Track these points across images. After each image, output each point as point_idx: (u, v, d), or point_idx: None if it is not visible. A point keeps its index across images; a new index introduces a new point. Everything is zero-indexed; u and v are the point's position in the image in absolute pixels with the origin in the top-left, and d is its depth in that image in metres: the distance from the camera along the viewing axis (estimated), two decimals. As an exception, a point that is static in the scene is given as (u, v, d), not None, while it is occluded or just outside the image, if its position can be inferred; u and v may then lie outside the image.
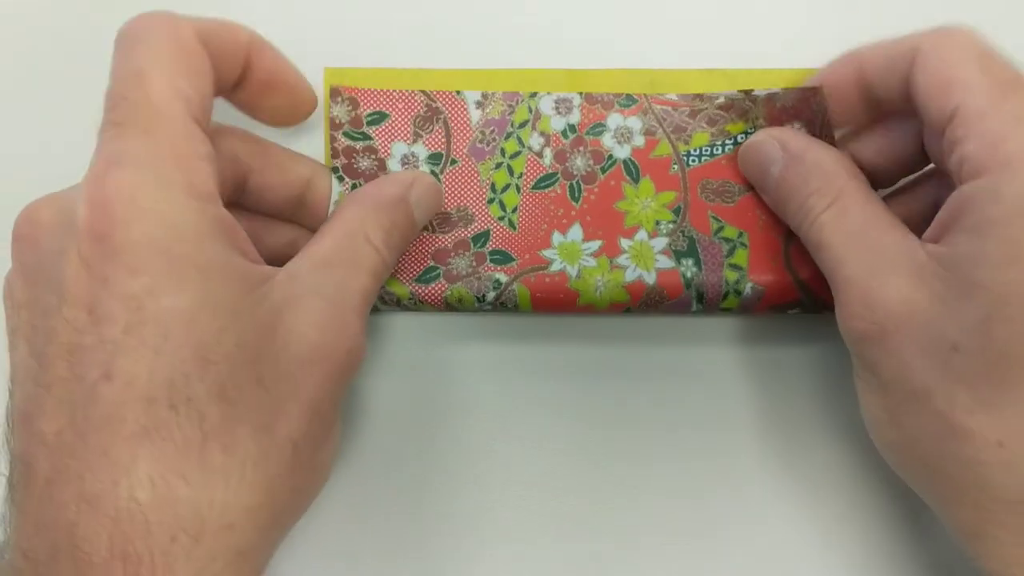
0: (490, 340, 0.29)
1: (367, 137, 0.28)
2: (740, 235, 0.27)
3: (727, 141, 0.28)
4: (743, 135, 0.28)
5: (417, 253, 0.27)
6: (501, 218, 0.27)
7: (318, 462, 0.23)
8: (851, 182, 0.24)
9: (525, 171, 0.28)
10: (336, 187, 0.27)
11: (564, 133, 0.28)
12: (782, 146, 0.26)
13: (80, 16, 0.30)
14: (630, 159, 0.28)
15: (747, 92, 0.28)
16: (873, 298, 0.22)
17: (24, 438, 0.20)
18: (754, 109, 0.28)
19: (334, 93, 0.28)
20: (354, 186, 0.27)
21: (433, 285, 0.27)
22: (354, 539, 0.28)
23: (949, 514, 0.22)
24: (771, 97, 0.27)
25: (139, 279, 0.20)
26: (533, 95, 0.28)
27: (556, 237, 0.27)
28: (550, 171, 0.28)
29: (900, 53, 0.23)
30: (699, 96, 0.28)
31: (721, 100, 0.28)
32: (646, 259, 0.27)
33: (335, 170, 0.28)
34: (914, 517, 0.27)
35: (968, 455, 0.21)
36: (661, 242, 0.27)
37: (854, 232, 0.23)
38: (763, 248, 0.27)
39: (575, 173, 0.28)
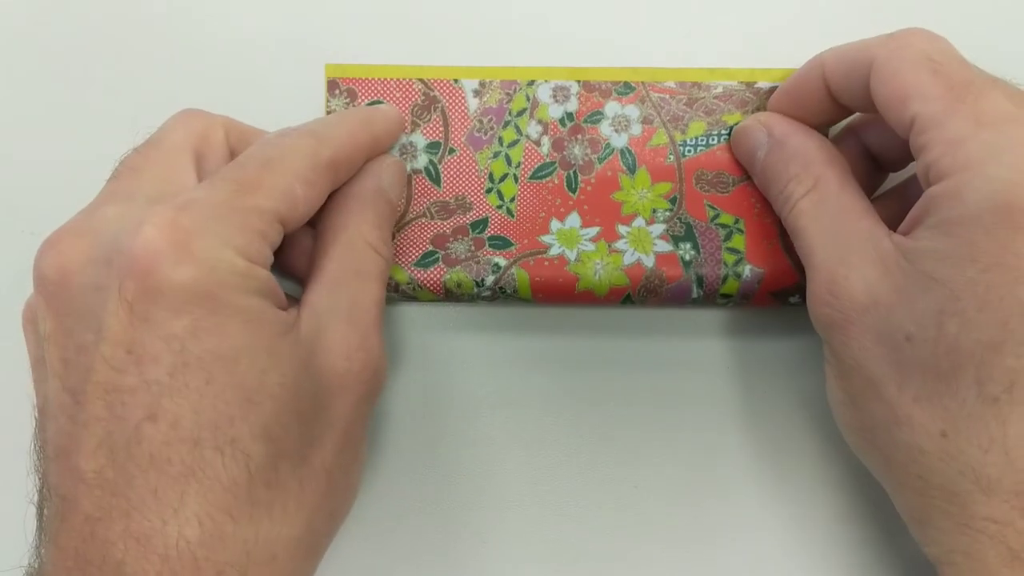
0: (487, 332, 0.29)
1: None
2: (736, 221, 0.27)
3: (723, 131, 0.28)
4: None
5: (416, 238, 0.27)
6: (499, 207, 0.28)
7: (349, 483, 0.23)
8: (829, 169, 0.25)
9: (523, 160, 0.28)
10: None
11: (562, 121, 0.28)
12: (768, 131, 0.26)
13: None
14: (627, 148, 0.28)
15: (749, 84, 0.28)
16: (839, 286, 0.23)
17: (61, 473, 0.20)
18: (755, 101, 0.28)
19: (331, 86, 0.28)
20: None
21: (432, 269, 0.27)
22: (349, 531, 0.28)
23: (898, 500, 0.23)
24: (773, 90, 0.28)
25: (182, 320, 0.20)
26: (531, 83, 0.28)
27: (554, 224, 0.27)
28: (548, 160, 0.28)
29: (857, 63, 0.24)
30: (697, 85, 0.28)
31: (719, 90, 0.28)
32: (644, 243, 0.27)
33: None
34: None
35: (912, 443, 0.21)
36: (658, 228, 0.27)
37: (827, 220, 0.24)
38: (759, 234, 0.27)
39: (572, 162, 0.28)
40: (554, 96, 0.28)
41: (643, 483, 0.28)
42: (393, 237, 0.27)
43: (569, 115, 0.28)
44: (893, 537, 0.28)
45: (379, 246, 0.25)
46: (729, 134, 0.28)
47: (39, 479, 0.21)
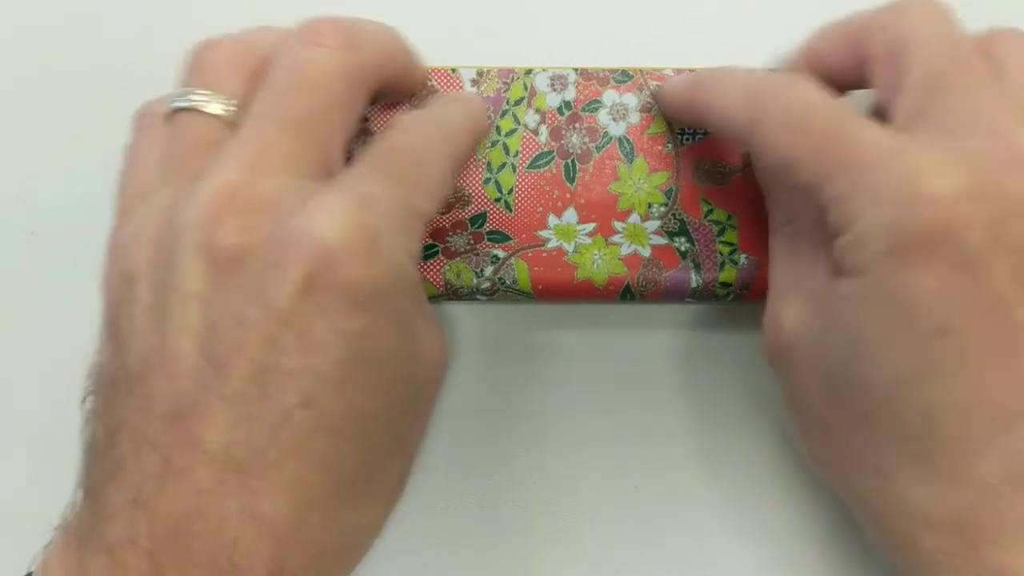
0: (487, 328, 0.30)
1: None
2: (729, 218, 0.28)
3: (721, 119, 0.28)
4: (737, 113, 0.28)
5: None
6: (497, 200, 0.28)
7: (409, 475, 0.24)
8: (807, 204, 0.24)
9: (521, 149, 0.28)
10: None
11: (560, 110, 0.28)
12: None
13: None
14: (625, 137, 0.28)
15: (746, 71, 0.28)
16: (780, 319, 0.23)
17: (170, 435, 0.19)
18: None
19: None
20: None
21: (432, 261, 0.28)
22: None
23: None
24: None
25: (358, 318, 0.20)
26: (528, 72, 0.28)
27: (552, 219, 0.28)
28: (546, 149, 0.28)
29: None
30: (694, 72, 0.28)
31: (717, 78, 0.28)
32: (640, 237, 0.28)
33: None
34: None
35: (853, 476, 0.22)
36: (653, 224, 0.28)
37: (788, 250, 0.24)
38: (753, 226, 0.28)
39: (570, 151, 0.28)
40: (552, 85, 0.28)
41: (645, 481, 0.29)
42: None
43: (567, 104, 0.28)
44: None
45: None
46: None
47: (113, 413, 0.20)
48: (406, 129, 0.23)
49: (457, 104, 0.26)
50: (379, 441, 0.21)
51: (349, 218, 0.20)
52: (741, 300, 0.28)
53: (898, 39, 0.22)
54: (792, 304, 0.23)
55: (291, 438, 0.19)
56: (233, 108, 0.22)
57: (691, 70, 0.28)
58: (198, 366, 0.19)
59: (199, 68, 0.23)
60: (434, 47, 0.28)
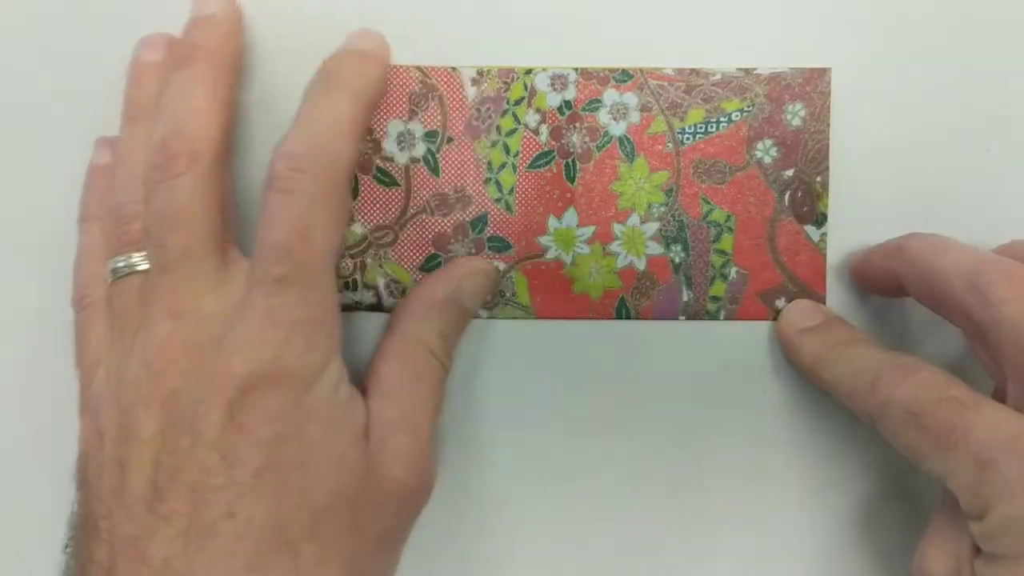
0: (487, 331, 0.29)
1: None
2: (728, 219, 0.28)
3: (722, 118, 0.28)
4: (738, 112, 0.28)
5: (418, 239, 0.28)
6: (498, 200, 0.28)
7: None
8: None
9: (521, 149, 0.28)
10: None
11: (560, 110, 0.28)
12: None
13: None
14: (625, 136, 0.28)
15: (747, 70, 0.28)
16: (928, 566, 0.24)
17: (127, 555, 0.22)
18: (754, 87, 0.28)
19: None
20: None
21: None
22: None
23: None
24: (775, 76, 0.27)
25: (272, 427, 0.22)
26: (528, 72, 0.28)
27: (552, 222, 0.28)
28: (546, 148, 0.28)
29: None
30: (695, 71, 0.28)
31: (717, 76, 0.28)
32: (637, 245, 0.28)
33: None
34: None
35: None
36: (652, 227, 0.28)
37: (947, 502, 0.24)
38: (748, 232, 0.28)
39: (571, 151, 0.28)
40: (552, 84, 0.28)
41: (645, 482, 0.29)
42: (396, 238, 0.28)
43: (567, 103, 0.28)
44: (903, 530, 0.29)
45: (439, 353, 0.26)
46: (728, 121, 0.28)
47: (83, 551, 0.23)
48: (289, 196, 0.23)
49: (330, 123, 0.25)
50: (304, 550, 0.22)
51: (257, 348, 0.22)
52: (734, 318, 0.28)
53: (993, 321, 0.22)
54: (940, 558, 0.23)
55: (217, 547, 0.21)
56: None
57: (692, 70, 0.28)
58: (144, 495, 0.22)
59: (124, 234, 0.25)
60: (434, 46, 0.28)
